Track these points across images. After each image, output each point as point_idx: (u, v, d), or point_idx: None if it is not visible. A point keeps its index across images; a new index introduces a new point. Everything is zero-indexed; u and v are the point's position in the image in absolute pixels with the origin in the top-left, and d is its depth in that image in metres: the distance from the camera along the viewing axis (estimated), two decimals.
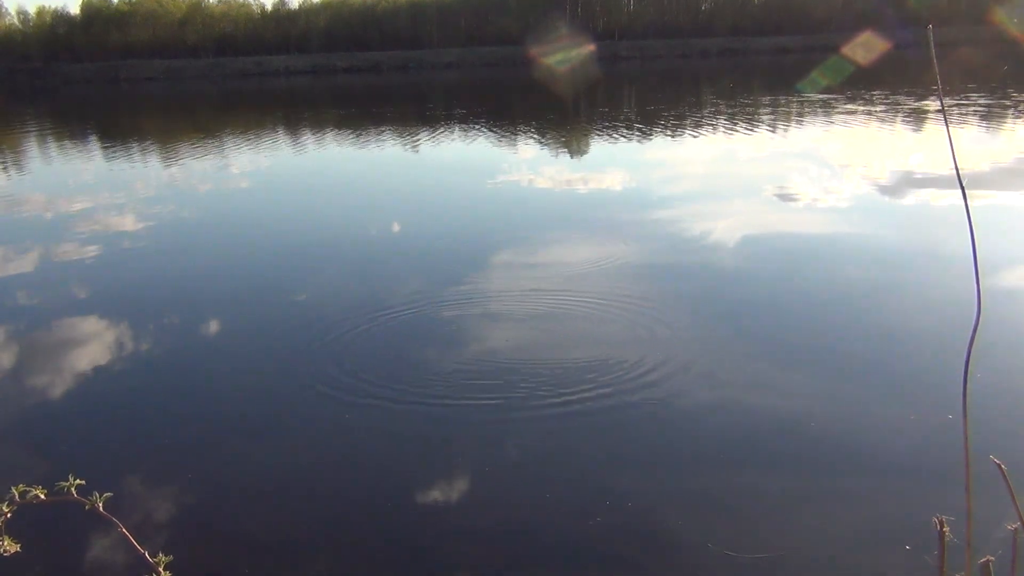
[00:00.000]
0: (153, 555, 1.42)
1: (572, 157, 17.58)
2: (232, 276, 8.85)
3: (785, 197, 11.47)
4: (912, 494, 3.90)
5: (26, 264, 9.58)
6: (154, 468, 4.52)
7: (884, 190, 11.56)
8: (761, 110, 25.42)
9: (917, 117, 21.08)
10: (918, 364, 5.45)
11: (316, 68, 77.43)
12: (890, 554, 3.43)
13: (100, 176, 17.50)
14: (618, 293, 7.09)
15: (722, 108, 27.47)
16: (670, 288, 7.41)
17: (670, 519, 3.81)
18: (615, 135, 20.58)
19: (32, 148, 24.56)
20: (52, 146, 25.34)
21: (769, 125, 21.12)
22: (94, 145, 25.71)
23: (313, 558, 3.66)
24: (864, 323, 6.27)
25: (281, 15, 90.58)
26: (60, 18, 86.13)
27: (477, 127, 24.73)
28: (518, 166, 16.05)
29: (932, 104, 22.77)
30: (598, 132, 21.33)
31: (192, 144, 23.23)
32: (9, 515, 1.32)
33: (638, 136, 20.35)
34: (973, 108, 21.03)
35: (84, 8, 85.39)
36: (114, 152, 22.42)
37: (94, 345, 6.59)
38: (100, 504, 1.36)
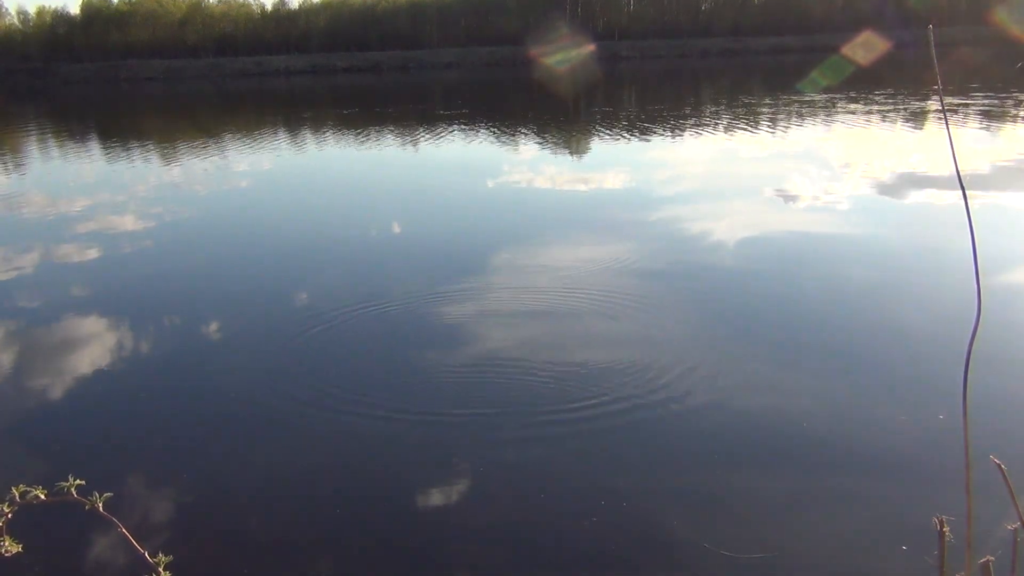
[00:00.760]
0: (153, 555, 1.42)
1: (572, 157, 17.58)
2: (232, 276, 8.85)
3: (785, 197, 11.48)
4: (912, 494, 3.90)
5: (26, 264, 9.58)
6: (154, 468, 4.52)
7: (884, 190, 11.56)
8: (761, 110, 25.42)
9: (917, 117, 21.08)
10: (918, 364, 5.44)
11: (316, 68, 77.36)
12: (890, 554, 3.43)
13: (100, 176, 17.51)
14: (617, 293, 7.09)
15: (722, 108, 27.47)
16: (669, 288, 7.41)
17: (668, 519, 3.81)
18: (615, 135, 20.58)
19: (32, 148, 24.55)
20: (52, 146, 25.34)
21: (769, 125, 21.12)
22: (94, 145, 25.70)
23: (313, 558, 3.66)
24: (864, 323, 6.27)
25: (281, 15, 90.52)
26: (60, 18, 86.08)
27: (477, 127, 24.73)
28: (518, 166, 16.06)
29: (932, 104, 22.77)
30: (598, 132, 21.33)
31: (192, 144, 23.23)
32: (10, 515, 1.32)
33: (638, 136, 20.35)
34: (974, 108, 21.03)
35: (84, 8, 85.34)
36: (114, 152, 22.42)
37: (94, 345, 6.59)
38: (100, 504, 1.36)
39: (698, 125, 22.24)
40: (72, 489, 1.34)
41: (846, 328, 6.18)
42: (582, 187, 13.22)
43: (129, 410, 5.39)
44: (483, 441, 4.63)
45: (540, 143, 20.34)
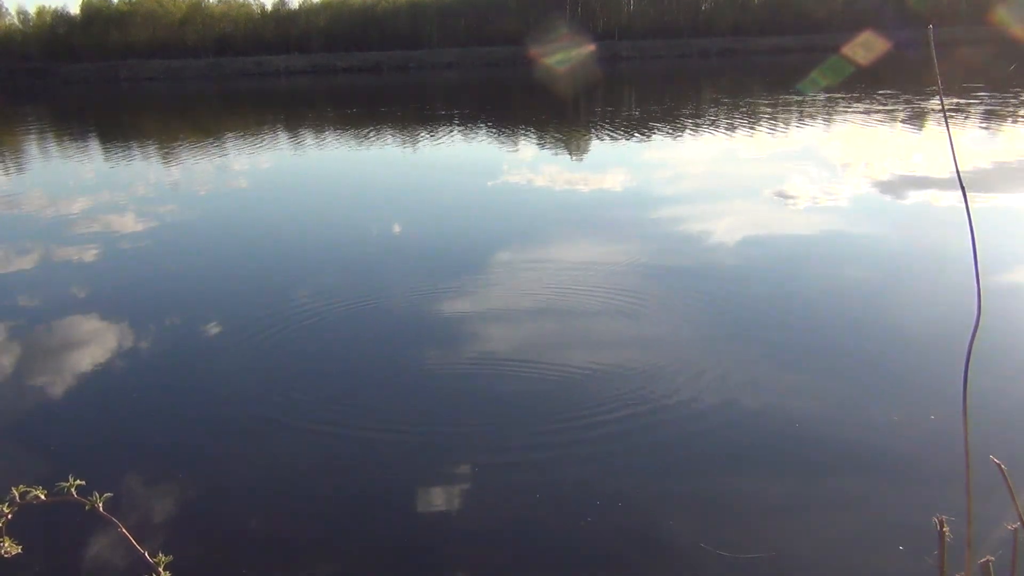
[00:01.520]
0: (153, 555, 1.42)
1: (572, 157, 17.58)
2: (232, 275, 8.85)
3: (785, 197, 11.47)
4: (912, 494, 3.90)
5: (26, 264, 9.58)
6: (154, 468, 4.52)
7: (885, 190, 11.56)
8: (761, 110, 25.42)
9: (917, 117, 21.07)
10: (918, 365, 5.44)
11: (316, 68, 77.37)
12: (890, 554, 3.43)
13: (100, 176, 17.51)
14: (617, 294, 7.10)
15: (722, 108, 27.47)
16: (668, 288, 7.41)
17: (666, 520, 3.81)
18: (615, 135, 20.58)
19: (32, 148, 24.55)
20: (52, 146, 25.34)
21: (769, 125, 21.12)
22: (94, 145, 25.70)
23: (313, 558, 3.66)
24: (864, 323, 6.27)
25: (281, 15, 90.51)
26: (60, 18, 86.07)
27: (477, 127, 24.73)
28: (518, 166, 16.06)
29: (933, 104, 22.76)
30: (598, 132, 21.33)
31: (192, 144, 23.24)
32: (10, 515, 1.32)
33: (638, 136, 20.35)
34: (974, 108, 21.03)
35: (84, 8, 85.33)
36: (114, 152, 22.42)
37: (94, 345, 6.59)
38: (100, 504, 1.36)
39: (698, 125, 22.24)
40: (72, 489, 1.34)
41: (846, 329, 6.18)
42: (582, 187, 13.22)
43: (129, 410, 5.39)
44: (482, 441, 4.62)
45: (540, 143, 20.34)
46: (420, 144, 21.01)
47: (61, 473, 1.39)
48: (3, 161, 21.32)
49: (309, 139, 23.84)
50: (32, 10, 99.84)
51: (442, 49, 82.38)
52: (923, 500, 3.82)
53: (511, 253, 8.93)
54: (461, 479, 4.23)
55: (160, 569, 1.40)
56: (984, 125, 18.26)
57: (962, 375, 1.37)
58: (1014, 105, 22.44)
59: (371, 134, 23.98)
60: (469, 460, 4.41)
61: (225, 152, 20.88)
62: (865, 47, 50.35)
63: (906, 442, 4.38)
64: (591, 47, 71.74)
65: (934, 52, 1.36)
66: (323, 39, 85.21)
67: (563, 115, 28.97)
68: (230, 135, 26.01)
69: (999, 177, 11.78)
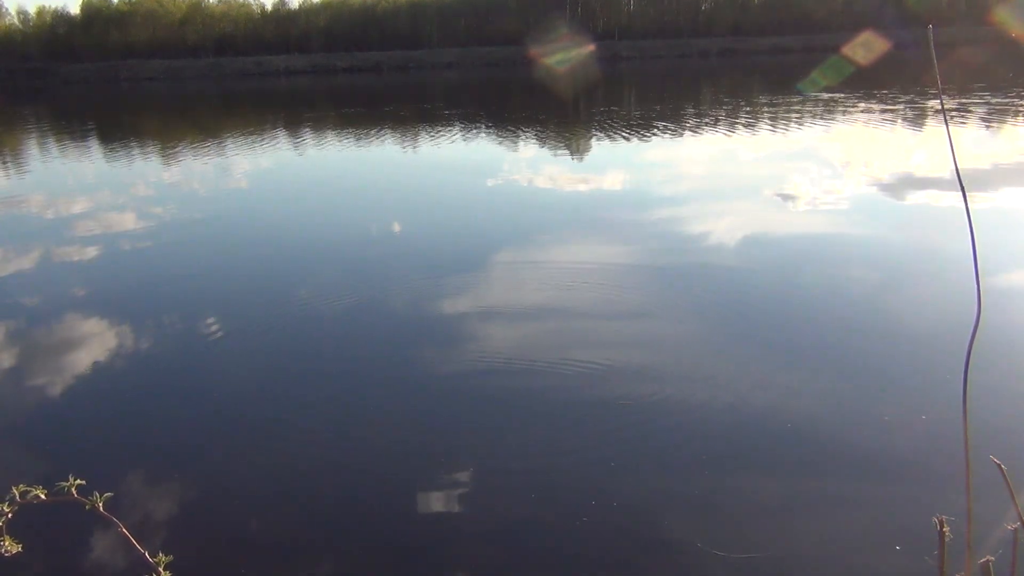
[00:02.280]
0: (153, 555, 1.42)
1: (572, 157, 17.57)
2: (232, 275, 8.85)
3: (785, 197, 11.47)
4: (912, 494, 3.90)
5: (26, 264, 9.58)
6: (154, 468, 4.52)
7: (885, 190, 11.56)
8: (761, 110, 25.41)
9: (917, 117, 21.08)
10: (918, 364, 5.44)
11: (316, 68, 77.42)
12: (889, 554, 3.43)
13: (100, 176, 17.51)
14: (616, 293, 7.10)
15: (722, 108, 27.47)
16: (667, 288, 7.41)
17: (663, 520, 3.80)
18: (615, 135, 20.57)
19: (32, 148, 24.55)
20: (52, 146, 25.34)
21: (769, 125, 21.12)
22: (94, 145, 25.70)
23: (313, 558, 3.66)
24: (864, 323, 6.27)
25: (281, 15, 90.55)
26: (60, 18, 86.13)
27: (477, 127, 24.73)
28: (518, 166, 16.06)
29: (932, 104, 22.77)
30: (598, 132, 21.33)
31: (192, 144, 23.23)
32: (10, 515, 1.32)
33: (638, 136, 20.34)
34: (974, 108, 21.03)
35: (84, 8, 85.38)
36: (114, 152, 22.42)
37: (94, 345, 6.59)
38: (100, 504, 1.36)
39: (698, 125, 22.24)
40: (72, 489, 1.34)
41: (845, 328, 6.18)
42: (582, 187, 13.22)
43: (129, 410, 5.39)
44: (482, 441, 4.62)
45: (540, 143, 20.34)
46: (420, 144, 21.01)
47: (61, 473, 1.39)
48: (3, 161, 21.32)
49: (309, 139, 23.83)
50: (32, 10, 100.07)
51: (442, 49, 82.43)
52: (923, 500, 3.81)
53: (511, 253, 8.93)
54: (461, 479, 4.23)
55: (160, 569, 1.40)
56: (984, 125, 18.26)
57: (962, 375, 1.37)
58: (1013, 105, 22.43)
59: (371, 134, 23.98)
60: (469, 460, 4.41)
61: (225, 152, 20.88)
62: (865, 47, 50.39)
63: (905, 442, 4.38)
64: (591, 47, 71.79)
65: (934, 52, 1.36)
66: (323, 39, 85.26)
67: (563, 115, 28.97)
68: (230, 135, 26.01)
69: (999, 177, 11.78)
